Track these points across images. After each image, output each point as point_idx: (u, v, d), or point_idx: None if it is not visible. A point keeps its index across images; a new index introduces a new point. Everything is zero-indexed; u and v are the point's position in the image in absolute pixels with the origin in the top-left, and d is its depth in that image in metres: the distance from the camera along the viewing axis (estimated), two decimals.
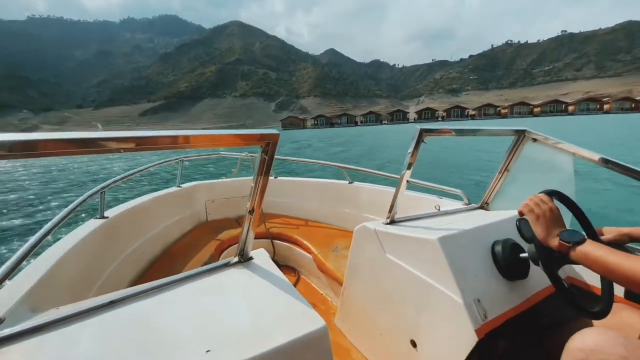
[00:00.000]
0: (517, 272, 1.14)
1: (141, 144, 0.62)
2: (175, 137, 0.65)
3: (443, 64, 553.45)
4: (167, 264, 2.08)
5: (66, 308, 0.76)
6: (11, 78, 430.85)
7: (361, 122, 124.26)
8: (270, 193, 2.95)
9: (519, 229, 1.16)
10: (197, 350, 0.63)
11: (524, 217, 1.09)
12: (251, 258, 1.03)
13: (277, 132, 0.80)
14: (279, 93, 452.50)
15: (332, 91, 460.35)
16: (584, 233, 0.86)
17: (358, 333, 1.59)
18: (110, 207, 2.03)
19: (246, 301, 0.81)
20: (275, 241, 2.60)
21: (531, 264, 1.09)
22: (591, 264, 0.78)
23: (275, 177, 3.18)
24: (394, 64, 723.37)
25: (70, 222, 1.40)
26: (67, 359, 0.61)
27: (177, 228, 2.59)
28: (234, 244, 2.37)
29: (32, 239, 1.08)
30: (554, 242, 0.87)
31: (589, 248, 0.79)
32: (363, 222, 1.48)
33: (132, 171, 2.18)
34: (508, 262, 1.13)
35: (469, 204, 1.82)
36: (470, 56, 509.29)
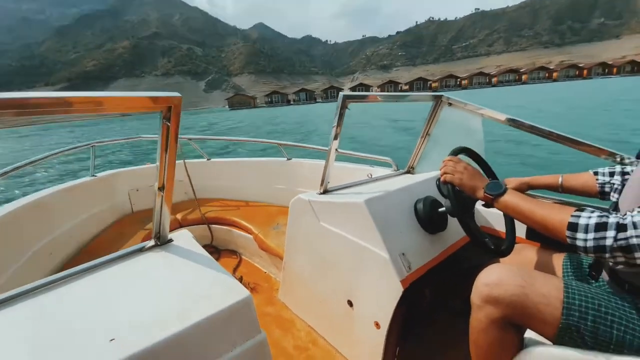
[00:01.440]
0: (437, 225, 1.26)
1: (20, 107, 0.56)
2: (63, 100, 0.59)
3: (373, 40, 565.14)
4: (84, 262, 1.83)
5: None
6: None
7: (294, 100, 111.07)
8: (205, 176, 2.90)
9: (438, 187, 1.32)
10: (100, 340, 0.59)
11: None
12: (170, 240, 0.98)
13: (179, 95, 0.75)
14: (208, 71, 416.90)
15: (266, 68, 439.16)
16: (504, 184, 0.93)
17: (301, 304, 1.66)
18: (5, 202, 1.85)
19: (160, 284, 0.78)
20: (213, 226, 2.55)
21: (449, 216, 1.24)
22: (510, 212, 0.89)
23: (208, 159, 3.07)
24: (326, 40, 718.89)
25: None
26: None
27: (94, 222, 2.38)
28: None
29: None
30: (480, 194, 0.96)
31: (507, 197, 0.89)
32: (300, 194, 1.50)
33: (31, 159, 1.94)
34: (429, 217, 1.24)
35: (397, 169, 1.93)
36: (398, 32, 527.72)
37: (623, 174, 1.05)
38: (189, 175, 2.51)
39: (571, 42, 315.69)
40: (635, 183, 0.82)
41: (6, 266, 1.55)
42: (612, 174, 1.07)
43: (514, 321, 0.79)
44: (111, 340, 0.59)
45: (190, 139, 2.87)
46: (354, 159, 2.30)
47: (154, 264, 0.87)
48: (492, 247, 1.01)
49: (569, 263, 1.04)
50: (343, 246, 1.28)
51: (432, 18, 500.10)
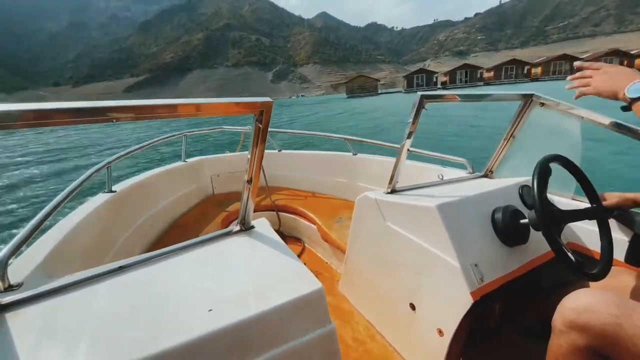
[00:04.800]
0: (516, 237, 1.16)
1: (138, 112, 0.64)
2: (166, 106, 0.68)
3: (446, 24, 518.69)
4: (175, 236, 2.19)
5: (79, 273, 0.82)
6: None
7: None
8: (275, 166, 3.07)
9: (521, 195, 1.20)
10: (201, 309, 0.68)
11: (526, 184, 1.14)
12: (252, 227, 1.07)
13: (271, 100, 0.81)
14: (275, 61, 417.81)
15: (332, 57, 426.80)
16: None
17: (360, 298, 1.67)
18: (118, 181, 2.10)
19: (246, 266, 0.85)
20: (281, 213, 2.69)
21: (531, 229, 1.11)
22: None
23: (279, 151, 3.21)
24: (392, 27, 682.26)
25: (77, 196, 1.41)
26: (81, 318, 0.66)
27: (184, 201, 2.69)
28: None
29: (44, 211, 1.13)
30: (621, 95, 0.85)
31: None
32: (367, 192, 1.50)
33: (136, 146, 2.24)
34: (507, 228, 1.14)
35: (473, 172, 1.82)
36: (476, 14, 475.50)
37: None
38: (262, 165, 2.78)
39: None
40: None
41: (118, 235, 1.81)
42: None
43: (602, 352, 0.71)
44: (209, 310, 0.67)
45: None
46: (423, 157, 2.19)
47: (239, 248, 0.96)
48: (584, 269, 0.91)
49: None
50: (409, 248, 1.25)
51: None
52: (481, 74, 68.35)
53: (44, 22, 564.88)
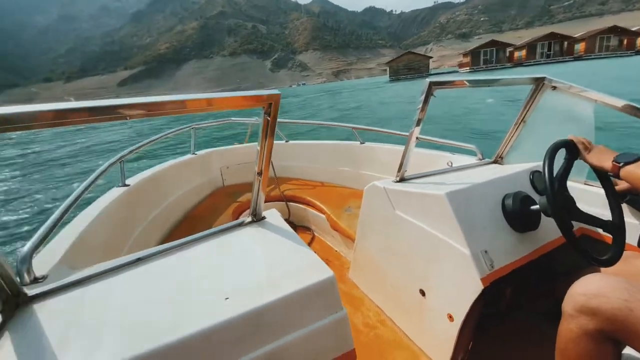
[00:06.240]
0: (527, 223, 1.15)
1: (149, 109, 0.67)
2: (178, 102, 0.70)
3: (447, 6, 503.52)
4: (188, 227, 2.25)
5: (99, 265, 0.87)
6: None
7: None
8: (283, 157, 3.10)
9: (532, 181, 1.19)
10: (218, 298, 0.71)
11: (537, 170, 1.14)
12: (264, 217, 1.09)
13: (279, 92, 0.83)
14: (274, 48, 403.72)
15: (332, 43, 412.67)
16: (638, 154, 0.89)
17: (370, 284, 1.69)
18: (129, 175, 2.14)
19: (259, 256, 0.88)
20: (290, 203, 2.73)
21: (542, 215, 1.11)
22: (636, 181, 0.84)
23: (286, 142, 3.24)
24: (391, 10, 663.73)
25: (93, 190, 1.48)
26: (103, 308, 0.70)
27: (195, 193, 2.74)
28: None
29: (63, 205, 1.18)
30: (607, 164, 0.93)
31: (634, 167, 0.85)
32: (375, 181, 1.50)
33: (147, 140, 2.30)
34: (518, 214, 1.13)
35: (483, 158, 1.79)
36: None
37: None
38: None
39: None
40: None
41: (134, 228, 1.85)
42: None
43: (613, 336, 0.72)
44: (226, 299, 0.70)
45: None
46: (431, 145, 2.18)
47: (252, 238, 0.98)
48: (595, 256, 0.93)
49: None
50: (418, 236, 1.26)
51: None
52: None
53: (33, 16, 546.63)
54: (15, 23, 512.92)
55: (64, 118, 0.59)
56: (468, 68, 57.29)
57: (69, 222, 1.38)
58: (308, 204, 2.63)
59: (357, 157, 2.81)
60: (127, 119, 0.65)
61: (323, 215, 2.40)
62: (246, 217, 1.09)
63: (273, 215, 1.12)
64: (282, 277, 0.77)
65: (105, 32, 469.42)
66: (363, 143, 2.79)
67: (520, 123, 1.52)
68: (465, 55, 62.61)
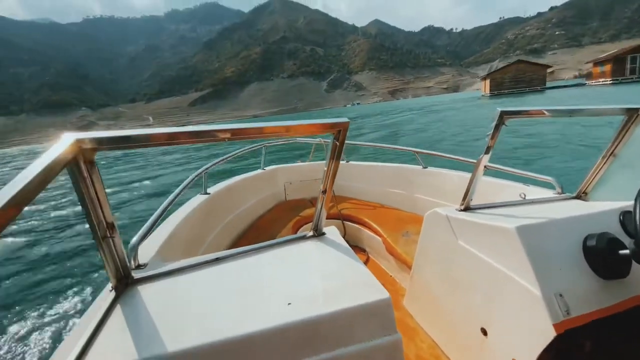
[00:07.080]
0: (614, 270, 1.01)
1: (235, 134, 0.76)
2: (259, 128, 0.78)
3: (514, 21, 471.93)
4: (254, 235, 2.43)
5: (185, 260, 1.00)
6: (72, 77, 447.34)
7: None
8: (342, 177, 3.15)
9: (621, 222, 1.04)
10: (281, 302, 0.76)
11: (629, 210, 0.98)
12: (324, 233, 1.14)
13: (348, 120, 0.88)
14: (330, 70, 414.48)
15: (388, 63, 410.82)
16: None
17: (426, 316, 1.63)
18: (210, 185, 2.36)
19: (319, 268, 0.92)
20: (346, 222, 2.75)
21: (634, 262, 0.97)
22: None
23: (347, 162, 3.29)
24: (451, 29, 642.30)
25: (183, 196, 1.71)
26: (189, 296, 0.82)
27: (261, 205, 2.92)
28: (309, 222, 2.59)
29: (161, 208, 1.42)
30: None
31: None
32: (436, 208, 1.46)
33: (226, 156, 2.59)
34: (603, 258, 1.00)
35: (563, 192, 1.60)
36: (552, 8, 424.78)
37: None
38: None
39: None
40: None
41: (210, 231, 2.06)
42: None
43: None
44: (289, 304, 0.75)
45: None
46: (502, 174, 2.00)
47: (313, 251, 1.04)
48: None
49: None
50: (482, 270, 1.18)
51: None
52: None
53: (125, 46, 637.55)
54: (111, 53, 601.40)
55: (173, 139, 0.72)
56: (608, 79, 42.22)
57: (164, 219, 1.58)
58: (364, 224, 2.62)
59: (418, 182, 2.75)
60: (225, 140, 0.76)
61: (379, 238, 2.38)
62: (307, 232, 1.15)
63: (332, 232, 1.16)
64: (341, 292, 0.80)
65: (181, 59, 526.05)
66: (426, 167, 2.74)
67: (609, 156, 1.37)
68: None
